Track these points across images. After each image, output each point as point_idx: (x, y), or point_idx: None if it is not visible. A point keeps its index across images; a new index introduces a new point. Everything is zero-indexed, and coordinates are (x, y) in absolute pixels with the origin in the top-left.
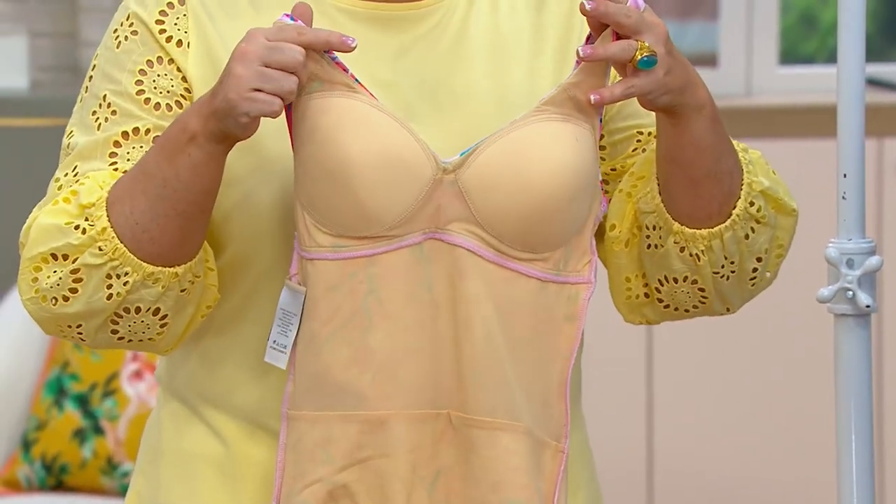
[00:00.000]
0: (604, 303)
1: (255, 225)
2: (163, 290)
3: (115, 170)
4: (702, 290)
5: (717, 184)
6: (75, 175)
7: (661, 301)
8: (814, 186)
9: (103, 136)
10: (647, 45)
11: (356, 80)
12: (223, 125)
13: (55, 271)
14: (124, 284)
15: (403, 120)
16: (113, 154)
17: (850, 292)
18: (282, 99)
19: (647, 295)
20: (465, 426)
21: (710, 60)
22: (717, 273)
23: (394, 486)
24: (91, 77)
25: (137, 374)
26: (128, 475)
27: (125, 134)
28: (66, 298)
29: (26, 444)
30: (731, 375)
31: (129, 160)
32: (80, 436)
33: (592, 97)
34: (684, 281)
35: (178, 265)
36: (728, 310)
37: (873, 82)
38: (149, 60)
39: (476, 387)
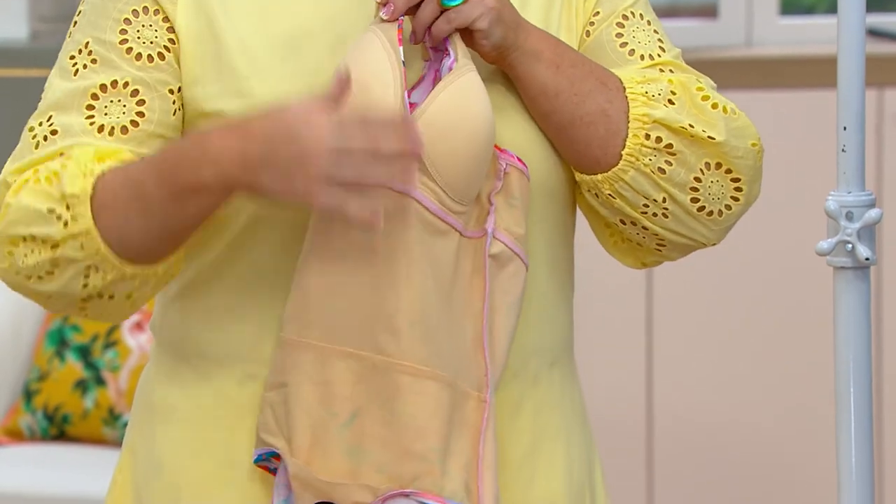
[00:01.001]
0: (603, 252)
1: None
2: (140, 283)
3: (91, 124)
4: (645, 228)
5: (588, 127)
6: (50, 125)
7: (634, 241)
8: (815, 137)
9: (82, 84)
10: None
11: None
12: (261, 189)
13: (33, 251)
14: (102, 279)
15: (401, 71)
16: (90, 107)
17: (850, 245)
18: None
19: (629, 238)
20: (391, 371)
21: (710, 11)
22: (646, 213)
23: (299, 417)
24: (76, 22)
25: (138, 326)
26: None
27: (103, 87)
28: (40, 279)
29: (28, 395)
30: (731, 327)
31: (106, 114)
32: (81, 386)
33: (383, 11)
34: (625, 224)
35: (161, 263)
36: (704, 244)
37: (874, 32)
38: (134, 10)
39: (408, 334)
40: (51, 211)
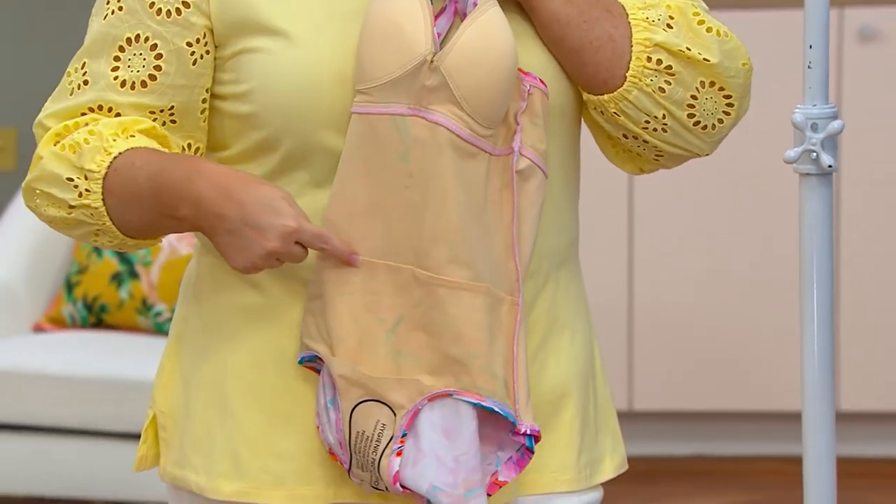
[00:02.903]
0: (589, 159)
1: (281, 105)
2: (146, 245)
3: (115, 79)
4: (646, 142)
5: (597, 51)
6: (84, 73)
7: (634, 152)
8: (781, 55)
9: (111, 33)
10: None
11: None
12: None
13: (52, 206)
14: (110, 241)
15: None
16: (116, 58)
17: (814, 153)
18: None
19: (630, 150)
20: (431, 284)
21: None
22: (647, 128)
23: (344, 323)
24: None
25: None
26: (160, 315)
27: (128, 40)
28: (60, 228)
29: (69, 286)
30: (706, 227)
31: (129, 67)
32: (117, 279)
33: None
34: (627, 138)
35: (162, 239)
36: (698, 154)
37: None
38: None
39: (445, 251)
40: (69, 179)
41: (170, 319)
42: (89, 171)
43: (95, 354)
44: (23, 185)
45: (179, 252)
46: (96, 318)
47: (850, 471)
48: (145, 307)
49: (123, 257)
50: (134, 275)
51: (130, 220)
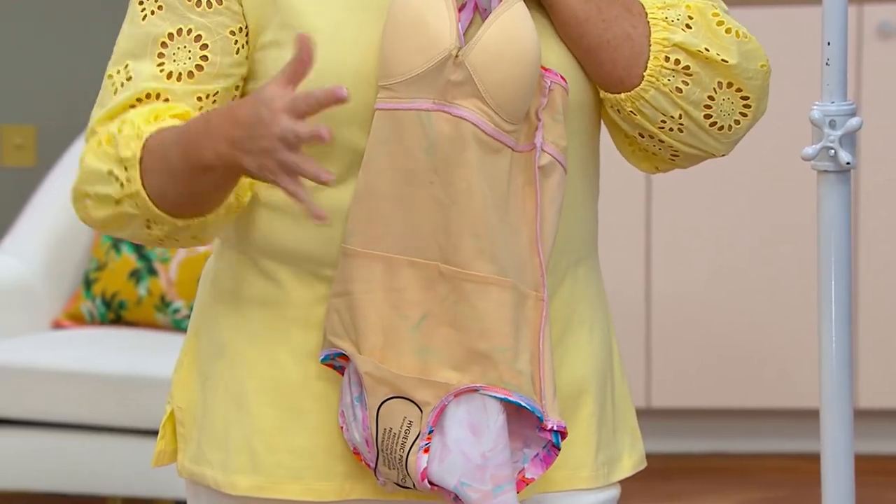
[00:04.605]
0: (607, 155)
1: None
2: (198, 229)
3: (161, 71)
4: (662, 141)
5: (615, 50)
6: (127, 71)
7: (650, 151)
8: (799, 51)
9: (151, 31)
10: None
11: None
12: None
13: (100, 206)
14: (161, 230)
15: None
16: (161, 55)
17: (832, 150)
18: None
19: (645, 149)
20: (457, 279)
21: None
22: (664, 128)
23: (369, 321)
24: None
25: None
26: (179, 311)
27: (171, 35)
28: (111, 228)
29: (88, 283)
30: (724, 225)
31: (175, 61)
32: (135, 276)
33: None
34: (644, 137)
35: (209, 214)
36: (713, 154)
37: None
38: None
39: (472, 245)
40: (110, 173)
41: (188, 316)
42: (125, 158)
43: (114, 351)
44: (71, 192)
45: (197, 249)
46: (115, 314)
47: (867, 468)
48: (164, 304)
49: (142, 254)
50: (152, 271)
51: (172, 195)
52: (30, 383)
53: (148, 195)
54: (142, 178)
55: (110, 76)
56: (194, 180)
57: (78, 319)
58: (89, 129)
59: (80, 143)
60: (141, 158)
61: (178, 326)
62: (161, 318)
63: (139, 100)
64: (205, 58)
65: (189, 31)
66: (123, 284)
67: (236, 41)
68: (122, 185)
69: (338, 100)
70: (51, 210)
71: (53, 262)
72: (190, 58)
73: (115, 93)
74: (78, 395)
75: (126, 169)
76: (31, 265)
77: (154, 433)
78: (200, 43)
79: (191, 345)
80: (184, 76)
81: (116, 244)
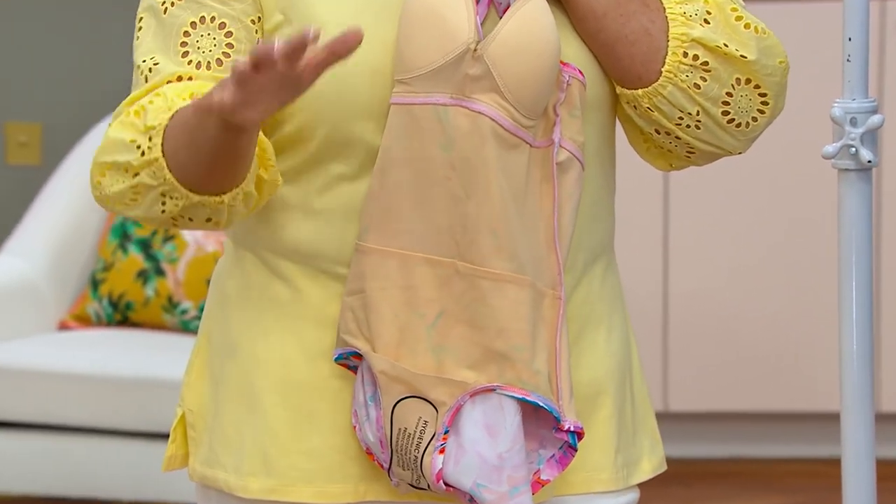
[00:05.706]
0: (622, 161)
1: (314, 95)
2: (213, 210)
3: (189, 62)
4: (678, 138)
5: (633, 45)
6: (154, 61)
7: (665, 148)
8: (820, 48)
9: (174, 22)
10: None
11: None
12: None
13: (117, 179)
14: (175, 205)
15: None
16: (184, 44)
17: (853, 149)
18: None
19: (661, 146)
20: (474, 276)
21: None
22: (681, 125)
23: (384, 319)
24: None
25: None
26: (186, 312)
27: (193, 24)
28: (126, 205)
29: (95, 284)
30: (743, 224)
31: (199, 48)
32: (142, 276)
33: None
34: (660, 134)
35: (225, 193)
36: (730, 152)
37: None
38: None
39: (489, 242)
40: (132, 141)
41: (196, 317)
42: (150, 127)
43: (121, 353)
44: (90, 167)
45: (206, 249)
46: (122, 315)
47: (889, 473)
48: (171, 305)
49: (149, 254)
50: (160, 272)
51: (187, 163)
52: (36, 385)
53: (167, 164)
54: (163, 145)
55: (138, 66)
56: (208, 142)
57: (84, 320)
58: (116, 112)
59: (86, 142)
60: (165, 127)
61: (187, 327)
62: (169, 319)
63: (169, 82)
64: (230, 45)
65: (212, 19)
66: (130, 285)
67: (256, 30)
68: (142, 152)
69: (312, 40)
70: (56, 209)
71: (59, 262)
72: (216, 45)
73: (146, 80)
74: (84, 397)
75: (150, 138)
76: (36, 265)
77: (162, 436)
78: (225, 30)
79: (201, 347)
80: (212, 64)
81: (123, 244)
